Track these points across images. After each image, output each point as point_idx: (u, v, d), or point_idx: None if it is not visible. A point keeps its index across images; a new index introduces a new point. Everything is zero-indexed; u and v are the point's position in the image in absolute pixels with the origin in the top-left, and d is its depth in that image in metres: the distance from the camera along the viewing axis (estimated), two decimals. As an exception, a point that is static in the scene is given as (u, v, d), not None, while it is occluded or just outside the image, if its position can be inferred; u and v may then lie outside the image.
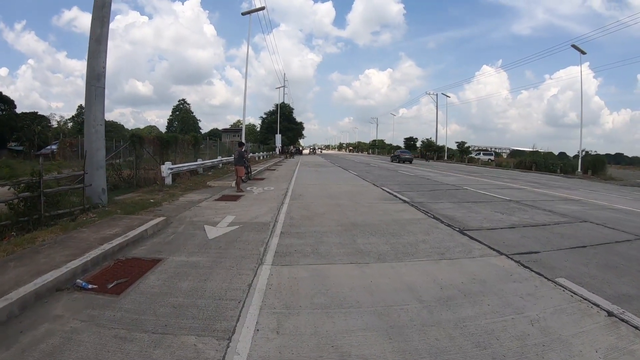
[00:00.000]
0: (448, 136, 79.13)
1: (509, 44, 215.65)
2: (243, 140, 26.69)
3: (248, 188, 13.20)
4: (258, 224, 7.26)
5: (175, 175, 14.61)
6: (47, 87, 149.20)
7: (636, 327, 3.30)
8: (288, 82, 70.56)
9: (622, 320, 3.44)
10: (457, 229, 7.09)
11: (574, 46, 28.01)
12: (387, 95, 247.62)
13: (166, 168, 13.38)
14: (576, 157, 46.65)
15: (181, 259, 4.95)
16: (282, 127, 59.37)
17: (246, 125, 30.87)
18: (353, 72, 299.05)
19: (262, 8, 25.77)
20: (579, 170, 26.90)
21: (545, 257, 5.43)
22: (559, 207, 10.11)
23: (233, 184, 13.15)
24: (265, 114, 70.15)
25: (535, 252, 5.67)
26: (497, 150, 65.13)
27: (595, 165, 26.82)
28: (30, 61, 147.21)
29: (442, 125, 66.69)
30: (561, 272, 4.75)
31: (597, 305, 3.74)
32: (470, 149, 57.40)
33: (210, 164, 19.96)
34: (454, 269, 4.83)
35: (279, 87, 62.34)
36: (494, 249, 5.78)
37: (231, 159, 19.00)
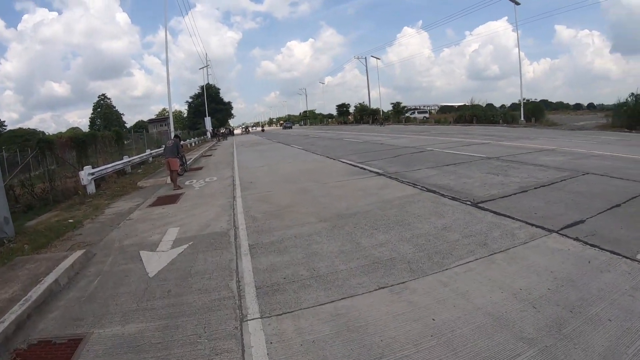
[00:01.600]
0: (375, 98, 79.90)
1: (426, 4, 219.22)
2: (172, 128, 23.96)
3: (187, 182, 11.03)
4: (213, 237, 5.31)
5: (100, 180, 11.97)
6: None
7: None
8: (210, 63, 65.84)
9: None
10: (469, 203, 5.77)
11: (509, -2, 27.95)
12: (310, 66, 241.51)
13: (86, 174, 10.69)
14: (503, 106, 48.91)
15: (113, 332, 2.95)
16: (210, 108, 55.23)
17: (172, 112, 27.36)
18: (274, 46, 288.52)
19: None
20: (522, 119, 27.49)
21: (595, 226, 4.41)
22: (544, 160, 9.28)
23: (168, 180, 10.88)
24: (191, 97, 67.32)
25: (581, 222, 4.61)
26: (427, 108, 66.75)
27: (535, 113, 27.56)
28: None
29: (371, 89, 67.48)
30: (633, 246, 3.74)
31: None
32: (405, 109, 57.62)
33: (138, 160, 17.02)
34: (521, 269, 3.43)
35: (202, 68, 57.53)
36: (535, 225, 4.57)
37: (161, 151, 16.43)
